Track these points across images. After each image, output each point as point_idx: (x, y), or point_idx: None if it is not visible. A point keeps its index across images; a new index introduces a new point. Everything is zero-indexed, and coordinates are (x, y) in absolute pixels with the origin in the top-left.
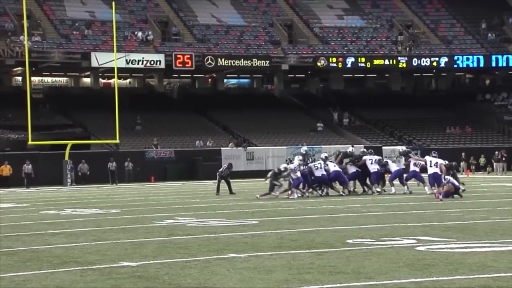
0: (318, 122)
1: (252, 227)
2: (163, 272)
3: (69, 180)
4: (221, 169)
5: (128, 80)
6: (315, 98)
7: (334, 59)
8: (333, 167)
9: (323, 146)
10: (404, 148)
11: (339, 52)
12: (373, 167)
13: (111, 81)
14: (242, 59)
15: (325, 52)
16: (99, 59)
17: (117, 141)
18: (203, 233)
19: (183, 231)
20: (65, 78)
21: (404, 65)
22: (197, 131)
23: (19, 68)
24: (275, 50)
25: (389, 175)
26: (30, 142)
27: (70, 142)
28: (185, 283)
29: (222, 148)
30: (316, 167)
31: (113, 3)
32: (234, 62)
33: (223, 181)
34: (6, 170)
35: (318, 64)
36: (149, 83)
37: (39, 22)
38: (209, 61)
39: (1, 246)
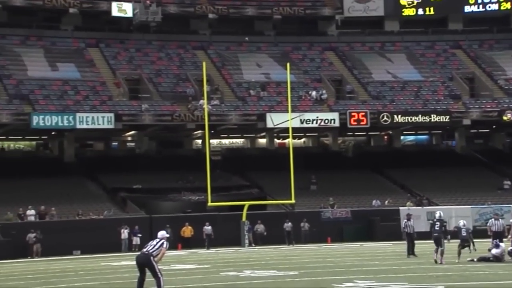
0: (505, 180)
1: None
2: None
3: (246, 241)
4: (402, 226)
5: (302, 140)
6: (502, 154)
7: None
8: None
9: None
10: None
11: None
12: None
13: (286, 141)
14: (420, 115)
15: (511, 105)
16: (274, 119)
17: (293, 201)
18: None
19: None
20: (242, 140)
21: None
22: (373, 190)
23: (199, 131)
24: (455, 105)
25: None
26: (209, 204)
27: (247, 203)
28: None
29: (400, 207)
30: None
31: (288, 64)
32: (411, 119)
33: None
34: (188, 231)
35: (504, 118)
36: (323, 142)
37: (217, 86)
38: (385, 118)
39: None
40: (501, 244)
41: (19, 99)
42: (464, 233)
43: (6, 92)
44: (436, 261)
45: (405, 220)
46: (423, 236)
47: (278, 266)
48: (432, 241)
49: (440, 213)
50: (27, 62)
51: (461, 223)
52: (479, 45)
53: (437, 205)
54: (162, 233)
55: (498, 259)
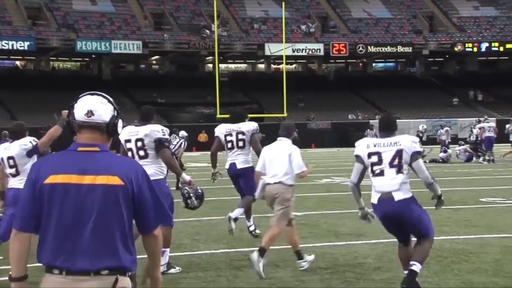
0: (454, 98)
1: None
2: (323, 221)
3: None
4: (365, 134)
5: (293, 65)
6: (452, 78)
7: (470, 45)
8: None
9: (458, 119)
10: None
11: (474, 38)
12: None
13: (280, 66)
14: (389, 46)
15: (462, 39)
16: (271, 48)
17: (285, 115)
18: None
19: (339, 188)
20: (245, 65)
21: None
22: (350, 107)
23: (210, 57)
24: (417, 38)
25: None
26: (218, 116)
27: (248, 116)
28: (341, 230)
29: (370, 120)
30: None
31: (283, 3)
32: (381, 49)
33: None
34: (203, 137)
35: (456, 49)
36: (310, 68)
37: (226, 20)
38: (361, 48)
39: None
40: (448, 150)
41: (66, 27)
42: None
43: (55, 21)
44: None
45: (368, 130)
46: None
47: None
48: None
49: (422, 126)
50: None
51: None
52: None
53: (399, 118)
54: (182, 133)
55: (444, 161)
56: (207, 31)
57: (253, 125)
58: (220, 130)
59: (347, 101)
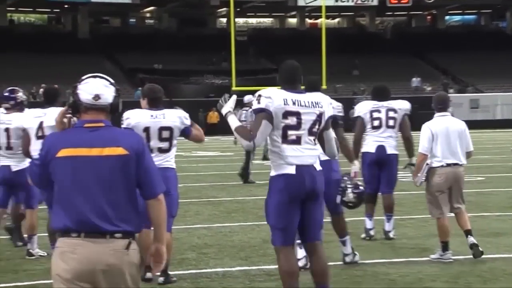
0: None
1: (477, 184)
2: (375, 229)
3: None
4: None
5: (336, 20)
6: None
7: None
8: None
9: None
10: None
11: None
12: None
13: (318, 21)
14: None
15: None
16: None
17: (324, 87)
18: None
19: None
20: (270, 19)
21: None
22: (413, 75)
23: (224, 8)
24: None
25: None
26: (234, 88)
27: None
28: (399, 243)
29: (449, 94)
30: None
31: None
32: None
33: None
34: (214, 117)
35: None
36: (359, 23)
37: None
38: None
39: (207, 196)
40: None
41: None
42: None
43: None
44: None
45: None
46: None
47: None
48: None
49: None
50: None
51: None
52: None
53: (481, 92)
54: (248, 97)
55: None
56: None
57: (407, 105)
58: (366, 107)
59: (409, 68)
